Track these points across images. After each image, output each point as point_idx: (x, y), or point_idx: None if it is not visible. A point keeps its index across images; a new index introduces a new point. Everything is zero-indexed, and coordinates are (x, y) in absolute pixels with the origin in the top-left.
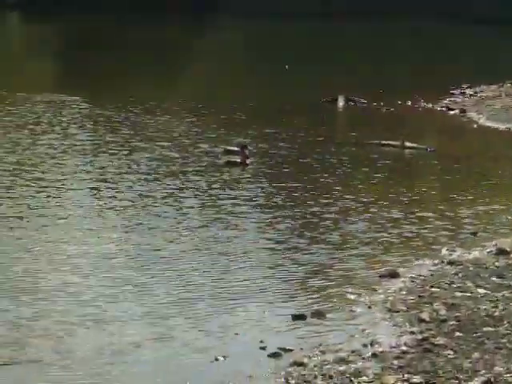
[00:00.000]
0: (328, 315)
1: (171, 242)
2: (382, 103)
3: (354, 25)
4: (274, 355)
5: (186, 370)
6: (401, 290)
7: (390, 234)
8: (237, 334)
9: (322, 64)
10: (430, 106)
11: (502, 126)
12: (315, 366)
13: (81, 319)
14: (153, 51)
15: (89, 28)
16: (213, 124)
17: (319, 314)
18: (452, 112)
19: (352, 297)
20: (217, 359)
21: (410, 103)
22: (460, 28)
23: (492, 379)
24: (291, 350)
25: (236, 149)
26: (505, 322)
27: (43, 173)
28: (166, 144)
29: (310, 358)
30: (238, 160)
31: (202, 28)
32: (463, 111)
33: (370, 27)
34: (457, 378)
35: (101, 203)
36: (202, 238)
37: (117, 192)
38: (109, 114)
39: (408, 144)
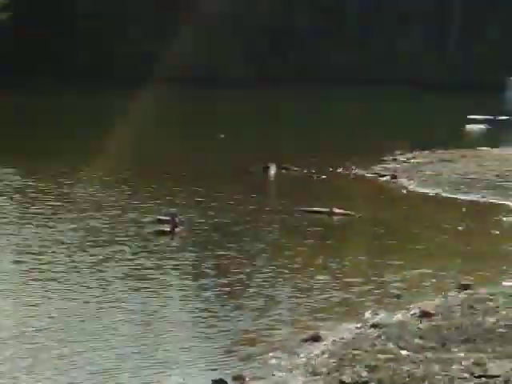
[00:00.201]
0: (249, 380)
1: (95, 314)
2: (313, 170)
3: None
4: None
5: None
6: (323, 353)
7: (315, 299)
8: None
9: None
10: (362, 172)
11: (431, 192)
12: None
13: None
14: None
15: None
16: (144, 192)
17: (240, 379)
18: (383, 178)
19: (274, 361)
20: None
21: (341, 170)
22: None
23: None
24: None
25: (166, 218)
26: (426, 383)
27: None
28: (94, 214)
29: None
30: (168, 229)
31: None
32: (394, 177)
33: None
34: None
35: (23, 275)
36: (125, 308)
37: (40, 264)
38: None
39: (336, 211)
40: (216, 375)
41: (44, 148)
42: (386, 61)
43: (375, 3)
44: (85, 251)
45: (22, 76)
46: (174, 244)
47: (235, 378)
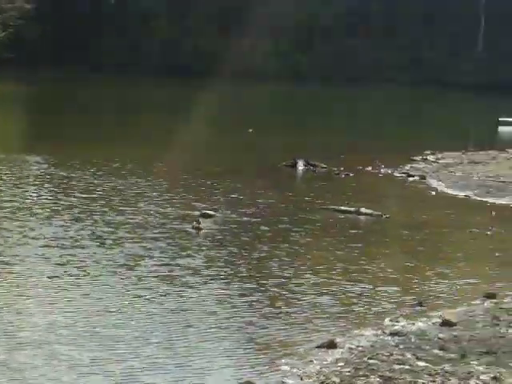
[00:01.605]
0: None
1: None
2: (342, 168)
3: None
4: None
5: None
6: (337, 361)
7: (333, 302)
8: None
9: (285, 127)
10: (390, 172)
11: (461, 194)
12: None
13: None
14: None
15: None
16: (174, 188)
17: None
18: (411, 178)
19: (285, 368)
20: None
21: (370, 169)
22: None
23: None
24: None
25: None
26: None
27: None
28: (125, 208)
29: None
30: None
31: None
32: (423, 178)
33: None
34: None
35: (52, 269)
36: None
37: (70, 257)
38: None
39: (363, 210)
40: (225, 380)
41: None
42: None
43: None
44: (117, 245)
45: None
46: (201, 241)
47: None
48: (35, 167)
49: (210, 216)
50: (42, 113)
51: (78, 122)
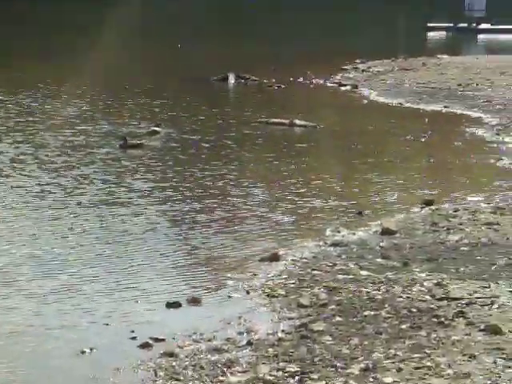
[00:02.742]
0: (204, 302)
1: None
2: (273, 80)
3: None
4: (144, 346)
5: (48, 363)
6: (281, 273)
7: (272, 214)
8: (107, 324)
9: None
10: (322, 82)
11: (393, 101)
12: (187, 356)
13: None
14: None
15: None
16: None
17: (195, 301)
18: (344, 88)
19: (230, 282)
20: (83, 352)
21: (301, 80)
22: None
23: (370, 366)
24: (163, 340)
25: None
26: (386, 306)
27: None
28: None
29: (181, 347)
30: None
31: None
32: (355, 87)
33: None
34: (334, 366)
35: None
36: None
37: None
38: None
39: (297, 122)
40: (170, 297)
41: None
42: None
43: None
44: (62, 168)
45: None
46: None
47: (190, 301)
48: None
49: (156, 133)
50: None
51: None
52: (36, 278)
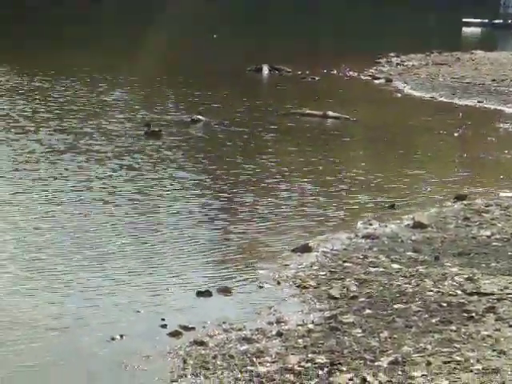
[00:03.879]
0: (235, 291)
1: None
2: (307, 72)
3: None
4: (174, 334)
5: (78, 349)
6: (312, 264)
7: (305, 206)
8: (138, 311)
9: (249, 32)
10: (356, 74)
11: (426, 95)
12: (216, 345)
13: None
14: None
15: None
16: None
17: (225, 291)
18: (377, 81)
19: (261, 272)
20: (113, 338)
21: (335, 72)
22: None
23: (399, 359)
24: (193, 329)
25: None
26: (417, 299)
27: None
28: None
29: (211, 336)
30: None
31: None
32: (389, 80)
33: None
34: (363, 358)
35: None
36: (106, 210)
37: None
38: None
39: (330, 114)
40: (201, 286)
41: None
42: None
43: None
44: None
45: None
46: (164, 148)
47: (221, 290)
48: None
49: (199, 121)
50: None
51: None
52: (71, 267)
